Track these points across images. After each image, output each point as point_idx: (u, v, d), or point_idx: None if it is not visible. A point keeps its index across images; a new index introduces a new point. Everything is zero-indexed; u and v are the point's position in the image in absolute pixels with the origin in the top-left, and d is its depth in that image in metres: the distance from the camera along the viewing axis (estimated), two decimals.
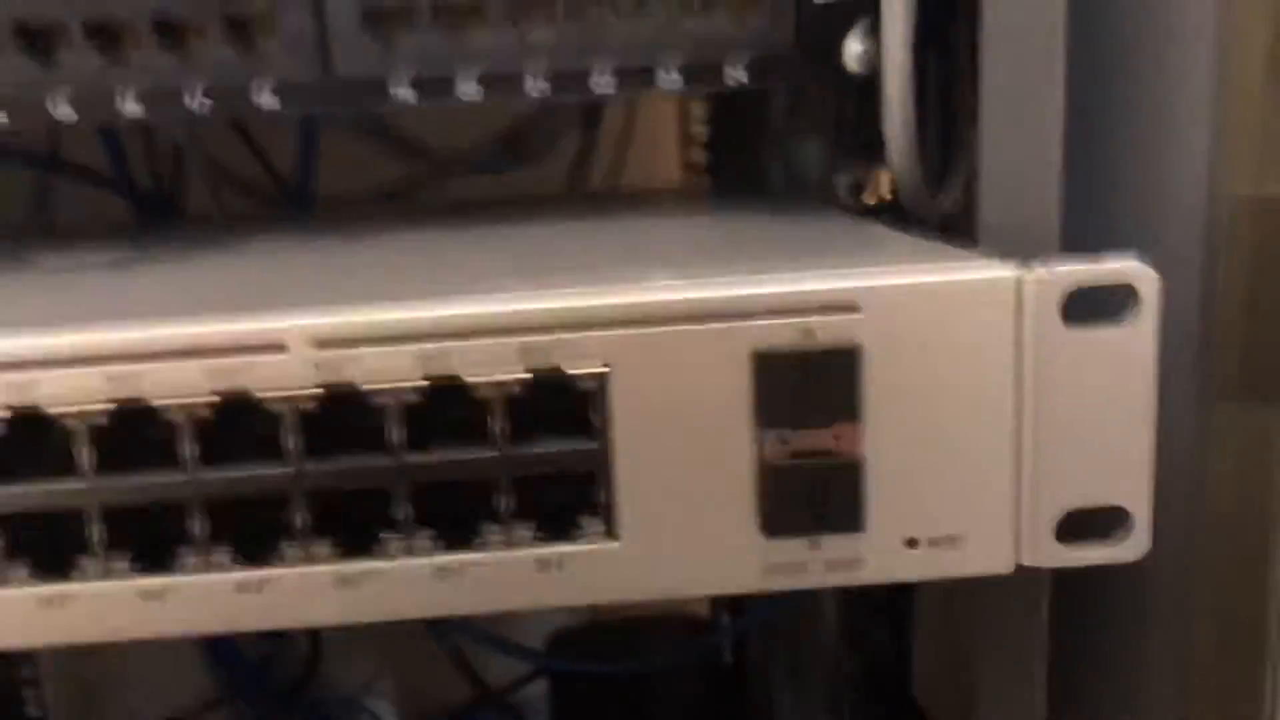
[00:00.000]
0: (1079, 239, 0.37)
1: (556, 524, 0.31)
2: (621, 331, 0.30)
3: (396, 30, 0.42)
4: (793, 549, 0.32)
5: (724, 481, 0.31)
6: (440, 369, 0.30)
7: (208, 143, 0.61)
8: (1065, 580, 0.38)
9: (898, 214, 0.43)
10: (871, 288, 0.31)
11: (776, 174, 0.55)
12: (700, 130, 0.65)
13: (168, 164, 0.62)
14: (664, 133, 0.67)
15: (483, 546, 0.31)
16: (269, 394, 0.30)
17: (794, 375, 0.31)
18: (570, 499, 0.31)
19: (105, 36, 0.41)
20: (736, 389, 0.31)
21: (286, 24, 0.41)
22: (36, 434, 0.30)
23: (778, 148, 0.55)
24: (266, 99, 0.42)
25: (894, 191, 0.43)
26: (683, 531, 0.31)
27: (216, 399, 0.30)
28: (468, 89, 0.42)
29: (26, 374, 0.29)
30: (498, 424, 0.31)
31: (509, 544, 0.31)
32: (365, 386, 0.30)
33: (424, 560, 0.31)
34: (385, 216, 0.55)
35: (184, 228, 0.59)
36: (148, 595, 0.31)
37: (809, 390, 0.31)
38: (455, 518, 0.31)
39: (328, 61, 0.42)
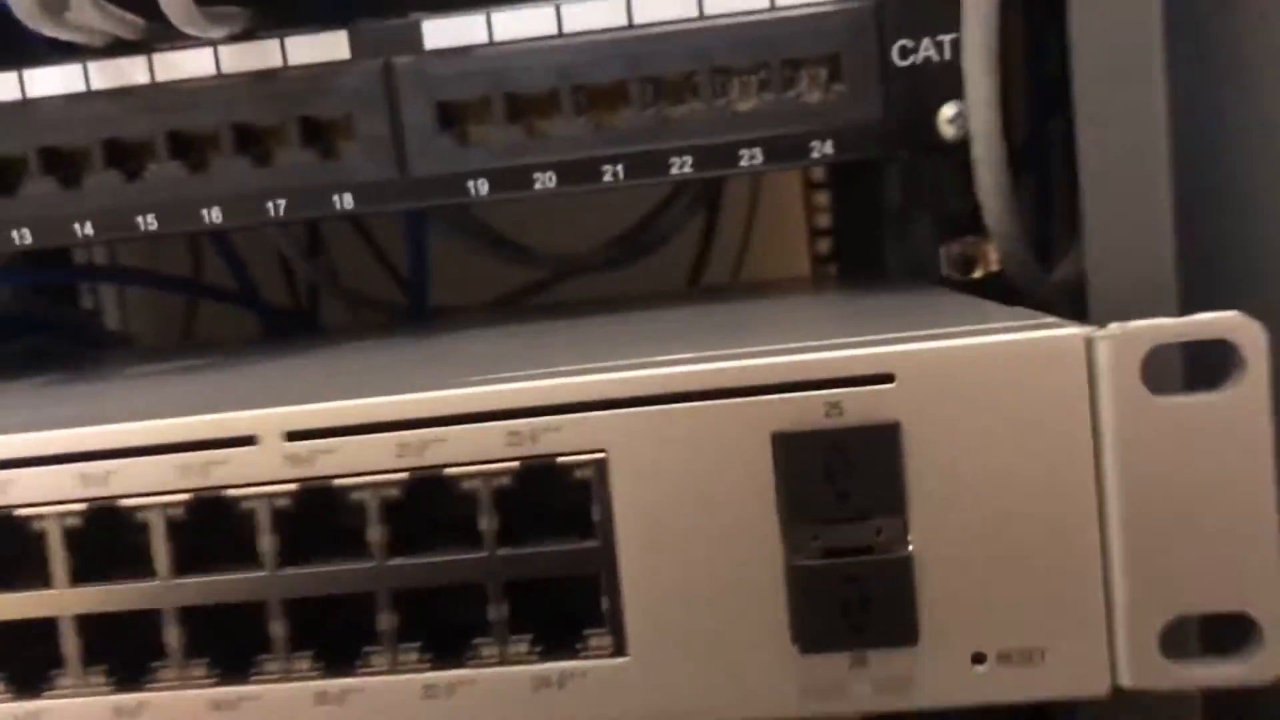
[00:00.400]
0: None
1: (557, 637, 0.28)
2: (619, 413, 0.27)
3: (471, 127, 0.40)
4: (833, 667, 0.27)
5: (748, 587, 0.27)
6: (420, 460, 0.27)
7: (340, 256, 0.61)
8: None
9: (1009, 289, 0.38)
10: (908, 353, 0.26)
11: (894, 256, 0.51)
12: (824, 220, 0.62)
13: (306, 284, 0.63)
14: (789, 225, 0.64)
15: (475, 662, 0.28)
16: (241, 491, 0.28)
17: (822, 459, 0.26)
18: (572, 608, 0.28)
19: (188, 148, 0.41)
20: (756, 477, 0.27)
21: (363, 127, 0.40)
22: (10, 539, 0.28)
23: (893, 228, 0.51)
24: (345, 201, 0.41)
25: (1001, 264, 0.38)
26: (702, 646, 0.27)
27: (188, 497, 0.28)
28: (543, 180, 0.40)
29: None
30: (486, 521, 0.27)
31: (504, 660, 0.28)
32: (341, 481, 0.27)
33: (411, 677, 0.28)
34: (500, 321, 0.54)
35: (308, 339, 0.58)
36: (121, 713, 0.28)
37: (841, 477, 0.26)
38: (444, 629, 0.28)
39: (404, 161, 0.41)
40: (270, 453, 0.27)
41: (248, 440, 0.27)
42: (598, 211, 0.55)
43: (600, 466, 0.27)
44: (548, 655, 0.28)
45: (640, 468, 0.27)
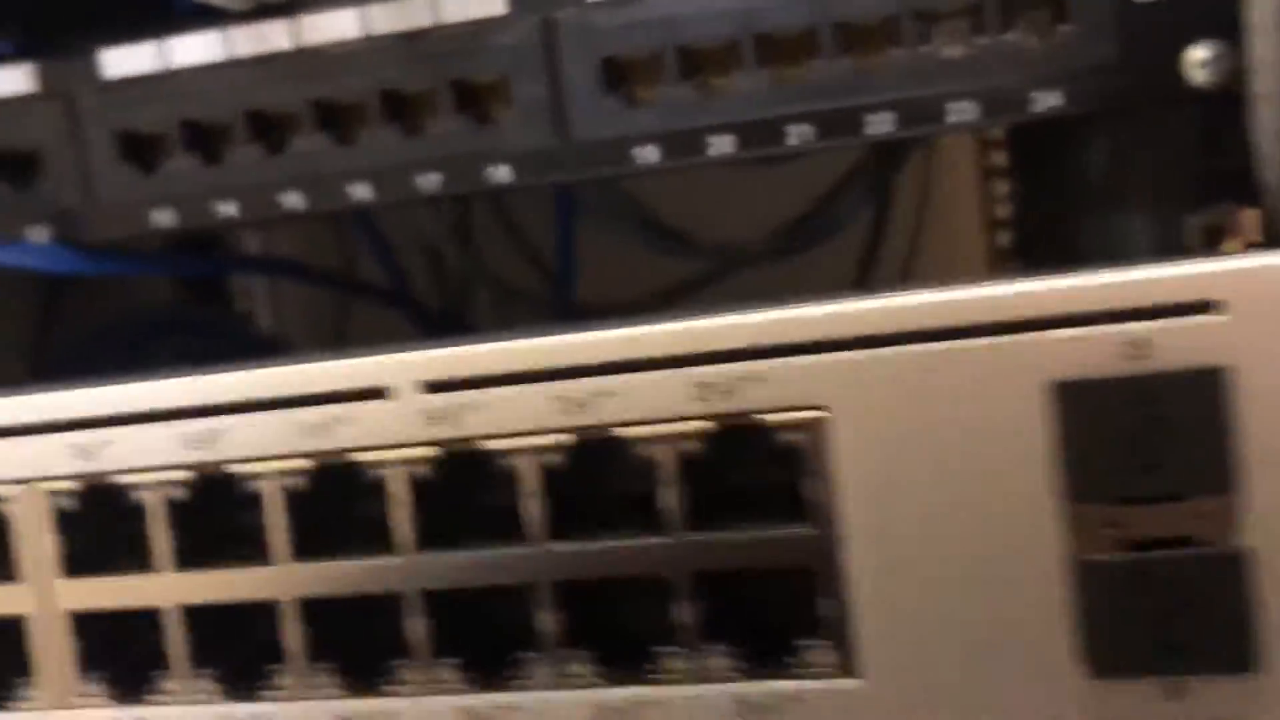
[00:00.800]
0: None
1: (765, 649, 0.22)
2: (844, 357, 0.21)
3: (639, 85, 0.35)
4: (1137, 699, 0.20)
5: (1019, 589, 0.20)
6: (587, 419, 0.21)
7: (490, 256, 0.57)
8: None
9: None
10: (1243, 272, 0.19)
11: (1095, 242, 0.43)
12: (1003, 210, 0.54)
13: (455, 280, 0.59)
14: (963, 220, 0.57)
15: (659, 677, 0.22)
16: (369, 456, 0.22)
17: (1121, 418, 0.20)
18: (783, 612, 0.21)
19: (334, 118, 0.37)
20: (1030, 442, 0.20)
21: (521, 90, 0.35)
22: (104, 511, 0.24)
23: (1096, 213, 0.43)
24: (501, 173, 0.36)
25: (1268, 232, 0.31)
26: (954, 666, 0.21)
27: (308, 464, 0.23)
28: (719, 145, 0.34)
29: (92, 435, 0.23)
30: (672, 499, 0.21)
31: (696, 676, 0.22)
32: (491, 444, 0.22)
33: (579, 694, 0.22)
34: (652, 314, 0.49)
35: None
36: None
37: (1148, 441, 0.20)
38: (619, 636, 0.22)
39: (564, 126, 0.35)
40: (405, 408, 0.22)
41: (377, 393, 0.22)
42: (760, 204, 0.49)
43: (818, 429, 0.21)
44: (754, 673, 0.21)
45: (872, 430, 0.21)
